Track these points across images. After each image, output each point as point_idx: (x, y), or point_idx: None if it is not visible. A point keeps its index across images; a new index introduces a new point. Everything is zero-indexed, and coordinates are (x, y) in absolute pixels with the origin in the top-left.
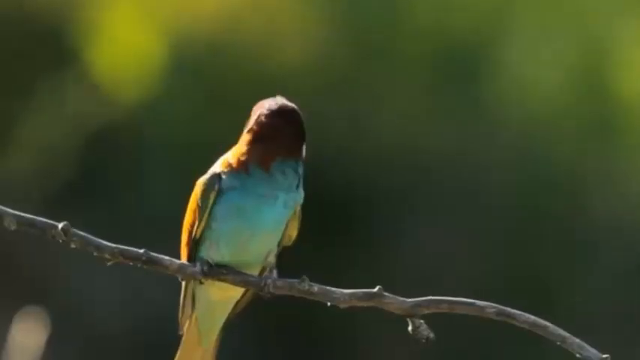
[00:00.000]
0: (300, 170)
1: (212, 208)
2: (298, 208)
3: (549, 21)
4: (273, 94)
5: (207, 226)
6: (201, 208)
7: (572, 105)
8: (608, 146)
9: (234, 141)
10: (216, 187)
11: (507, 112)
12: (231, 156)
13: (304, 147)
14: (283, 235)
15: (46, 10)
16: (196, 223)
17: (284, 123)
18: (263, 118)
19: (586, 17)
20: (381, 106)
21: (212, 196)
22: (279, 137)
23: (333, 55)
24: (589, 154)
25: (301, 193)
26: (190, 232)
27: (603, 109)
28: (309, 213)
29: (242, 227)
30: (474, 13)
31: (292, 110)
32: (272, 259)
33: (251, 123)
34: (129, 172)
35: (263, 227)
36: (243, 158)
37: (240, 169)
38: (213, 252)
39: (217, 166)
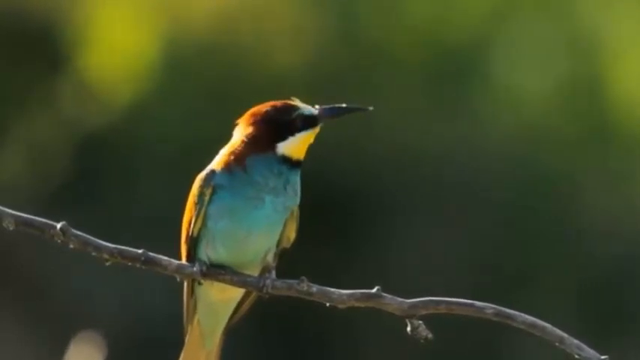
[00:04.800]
0: (277, 170)
1: (207, 206)
2: (296, 210)
3: (543, 24)
4: (268, 94)
5: (204, 225)
6: (198, 205)
7: (565, 107)
8: (601, 147)
9: (228, 140)
10: (212, 183)
11: (503, 114)
12: (220, 157)
13: (278, 145)
14: (282, 236)
15: (39, 13)
16: (193, 220)
17: (253, 122)
18: (243, 119)
19: (579, 20)
20: (378, 107)
21: (208, 192)
22: (249, 136)
23: (328, 56)
24: (582, 156)
25: (292, 197)
26: (188, 230)
27: (596, 112)
28: (308, 214)
29: (235, 227)
30: (469, 16)
31: (261, 110)
32: (271, 259)
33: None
34: (125, 172)
35: (256, 228)
36: (225, 158)
37: (226, 169)
38: (211, 251)
39: (214, 163)
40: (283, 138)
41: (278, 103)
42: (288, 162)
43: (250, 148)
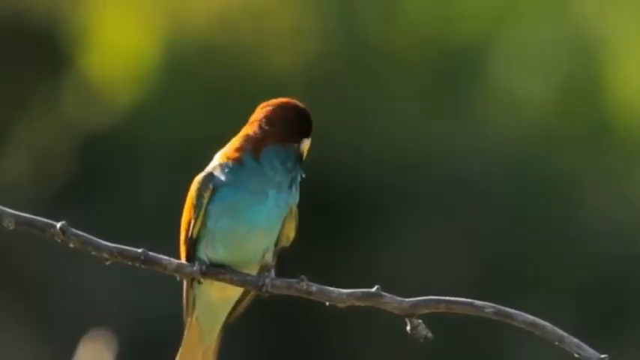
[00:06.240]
0: (290, 165)
1: (207, 206)
2: (294, 209)
3: (543, 25)
4: (268, 95)
5: (203, 225)
6: (197, 207)
7: (565, 107)
8: (601, 148)
9: (229, 140)
10: (211, 185)
11: (503, 114)
12: (229, 147)
13: (302, 141)
14: (281, 235)
15: (40, 14)
16: (192, 221)
17: (280, 114)
18: (264, 111)
19: (579, 22)
20: (378, 108)
21: (207, 195)
22: (272, 125)
23: (328, 56)
24: (582, 156)
25: (294, 195)
26: (187, 231)
27: (596, 112)
28: (308, 213)
29: (236, 226)
30: (469, 17)
31: (291, 104)
32: (270, 258)
33: (253, 118)
34: (125, 172)
35: (257, 225)
36: (238, 146)
37: (235, 160)
38: (210, 251)
39: (215, 161)
40: (307, 135)
41: (294, 101)
42: (301, 159)
43: (273, 139)
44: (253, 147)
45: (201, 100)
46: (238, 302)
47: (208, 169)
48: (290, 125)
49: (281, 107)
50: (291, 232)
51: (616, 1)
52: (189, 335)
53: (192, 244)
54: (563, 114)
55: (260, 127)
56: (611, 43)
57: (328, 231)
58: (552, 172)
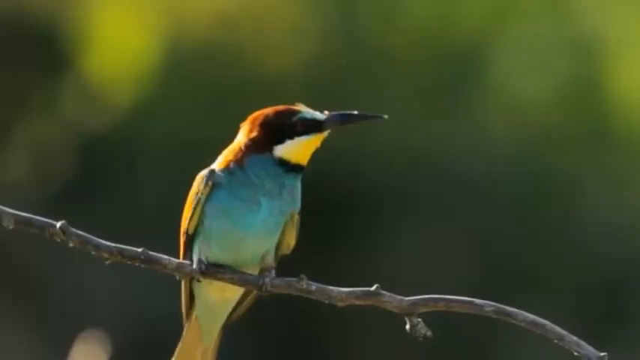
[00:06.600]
0: (273, 171)
1: (204, 204)
2: (296, 217)
3: (543, 25)
4: (267, 95)
5: (200, 223)
6: (195, 202)
7: (565, 107)
8: (601, 148)
9: (229, 141)
10: (210, 182)
11: (503, 115)
12: (220, 158)
13: (274, 148)
14: (281, 242)
15: (41, 14)
16: (189, 217)
17: (253, 125)
18: (246, 124)
19: (579, 21)
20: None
21: (205, 191)
22: (249, 138)
23: (328, 56)
24: (582, 156)
25: (289, 202)
26: (185, 227)
27: (596, 112)
28: (308, 213)
29: (230, 229)
30: (469, 17)
31: (261, 114)
32: (271, 260)
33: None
34: (126, 173)
35: (252, 233)
36: (227, 158)
37: (226, 169)
38: (206, 249)
39: (216, 163)
40: (281, 141)
41: (280, 107)
42: (285, 165)
43: (250, 150)
44: (235, 158)
45: (201, 100)
46: (238, 303)
47: (211, 167)
48: (260, 137)
49: (255, 119)
50: (292, 240)
51: (617, 2)
52: (188, 333)
53: (190, 241)
54: (563, 114)
55: (241, 139)
56: (611, 44)
57: (328, 231)
58: (552, 172)
